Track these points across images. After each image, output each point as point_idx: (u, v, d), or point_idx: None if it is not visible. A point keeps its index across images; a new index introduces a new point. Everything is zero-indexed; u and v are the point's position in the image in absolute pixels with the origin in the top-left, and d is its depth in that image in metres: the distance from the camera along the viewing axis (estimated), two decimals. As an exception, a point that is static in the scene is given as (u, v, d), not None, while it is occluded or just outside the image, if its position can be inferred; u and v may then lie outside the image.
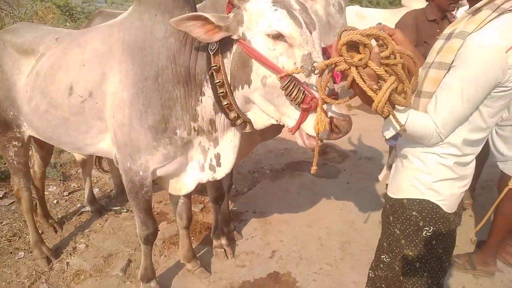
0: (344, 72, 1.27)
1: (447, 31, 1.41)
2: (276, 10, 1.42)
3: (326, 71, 1.34)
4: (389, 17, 6.42)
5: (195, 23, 1.47)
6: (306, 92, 1.42)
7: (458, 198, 1.53)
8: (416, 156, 1.50)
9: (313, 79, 1.45)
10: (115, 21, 1.98)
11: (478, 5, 1.33)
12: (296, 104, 1.45)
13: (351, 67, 1.23)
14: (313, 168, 1.49)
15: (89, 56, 1.91)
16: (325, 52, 1.67)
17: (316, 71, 1.36)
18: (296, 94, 1.41)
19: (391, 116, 1.27)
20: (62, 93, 1.97)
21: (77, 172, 4.36)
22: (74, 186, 4.07)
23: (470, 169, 1.50)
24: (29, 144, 2.63)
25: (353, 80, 1.24)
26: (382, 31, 1.28)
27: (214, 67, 1.60)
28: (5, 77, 2.27)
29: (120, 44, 1.81)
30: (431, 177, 1.47)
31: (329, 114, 1.46)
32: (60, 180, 4.09)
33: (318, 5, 1.88)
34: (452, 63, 1.32)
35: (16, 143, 2.49)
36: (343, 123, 1.46)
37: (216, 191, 2.73)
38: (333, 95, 1.44)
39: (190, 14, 1.48)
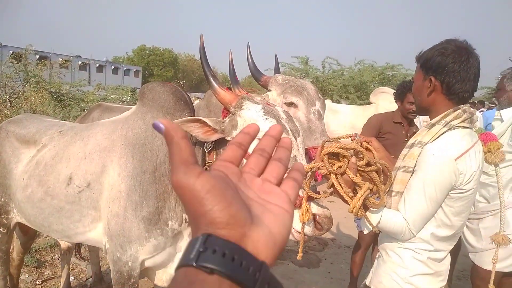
0: (325, 176, 1.48)
1: (410, 141, 1.67)
2: (267, 118, 1.65)
3: (310, 172, 1.54)
4: (360, 113, 7.04)
5: (194, 125, 1.69)
6: None
7: None
8: (393, 250, 1.66)
9: None
10: (118, 118, 2.18)
11: (433, 121, 1.62)
12: None
13: (331, 173, 1.44)
14: (299, 255, 1.63)
15: (91, 149, 2.05)
16: (307, 153, 1.90)
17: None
18: None
19: (365, 218, 1.47)
20: (60, 183, 2.06)
21: (52, 258, 4.21)
22: (48, 273, 3.90)
23: (445, 266, 1.65)
24: (13, 231, 2.63)
25: (333, 184, 1.45)
26: (359, 139, 1.53)
27: (209, 164, 1.78)
28: (2, 164, 2.36)
29: (122, 140, 1.98)
30: (408, 271, 1.61)
31: (313, 211, 1.61)
32: (34, 267, 3.93)
33: (300, 112, 2.15)
34: (414, 167, 1.56)
35: (1, 229, 2.49)
36: (325, 220, 1.61)
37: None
38: (316, 192, 1.63)
39: (191, 118, 1.70)
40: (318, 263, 4.42)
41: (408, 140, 3.37)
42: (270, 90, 2.30)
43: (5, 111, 6.10)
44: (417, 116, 3.75)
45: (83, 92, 8.36)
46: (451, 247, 1.66)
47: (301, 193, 1.58)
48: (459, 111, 1.57)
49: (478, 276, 2.58)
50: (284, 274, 4.05)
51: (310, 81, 14.21)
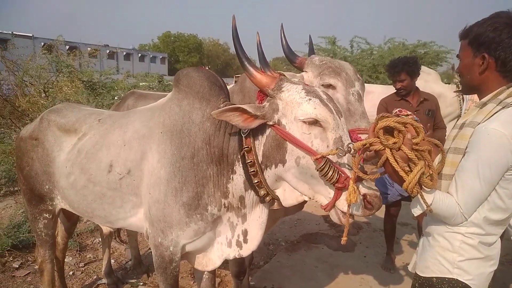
0: (378, 152, 1.43)
1: (460, 121, 1.58)
2: (310, 99, 1.59)
3: (359, 152, 1.50)
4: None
5: (233, 113, 1.65)
6: (340, 172, 1.54)
7: (487, 278, 1.57)
8: (441, 235, 1.59)
9: (344, 159, 1.58)
10: (155, 105, 2.18)
11: (484, 99, 1.53)
12: (331, 184, 1.56)
13: (386, 148, 1.39)
14: (344, 239, 1.61)
15: (130, 137, 2.07)
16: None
17: (352, 151, 1.50)
18: (331, 175, 1.53)
19: (419, 196, 1.40)
20: (102, 170, 2.10)
21: (92, 242, 4.38)
22: (90, 257, 4.07)
23: (496, 250, 1.57)
24: (58, 217, 2.72)
25: (386, 160, 1.40)
26: (414, 119, 1.47)
27: (246, 148, 1.74)
28: (45, 153, 2.43)
29: (160, 127, 1.98)
30: (457, 256, 1.54)
31: (363, 191, 1.56)
32: (77, 251, 4.11)
33: (339, 94, 2.08)
34: (466, 149, 1.48)
35: (47, 215, 2.59)
36: (375, 200, 1.56)
37: (238, 266, 2.73)
38: (365, 173, 1.57)
39: (230, 106, 1.65)
40: (353, 247, 4.37)
41: (418, 109, 3.40)
42: (306, 72, 2.24)
43: (42, 101, 6.30)
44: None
45: (112, 80, 8.51)
46: (502, 231, 1.58)
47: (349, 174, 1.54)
48: None
49: None
50: (318, 258, 4.04)
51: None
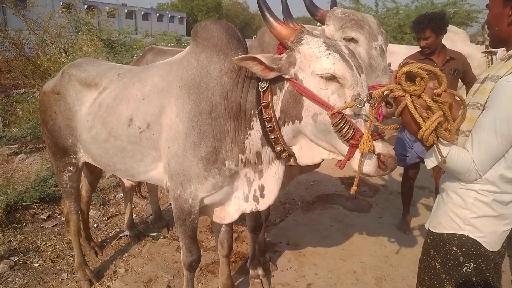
0: (397, 100, 1.41)
1: (482, 75, 1.52)
2: (330, 54, 1.54)
3: (376, 101, 1.46)
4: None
5: (251, 62, 1.62)
6: (355, 129, 1.52)
7: (500, 237, 1.56)
8: (455, 191, 1.57)
9: (361, 116, 1.55)
10: (173, 59, 2.16)
11: (510, 52, 1.45)
12: (345, 140, 1.54)
13: (406, 94, 1.36)
14: (353, 188, 1.58)
15: (149, 91, 2.08)
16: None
17: (372, 101, 1.47)
18: (346, 131, 1.51)
19: (434, 146, 1.38)
20: (122, 124, 2.13)
21: (115, 197, 4.54)
22: (112, 211, 4.24)
23: (511, 209, 1.54)
24: (82, 170, 2.82)
25: (405, 107, 1.37)
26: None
27: (264, 104, 1.72)
28: (67, 107, 2.47)
29: (178, 81, 1.97)
30: (469, 212, 1.52)
31: (377, 150, 1.54)
32: (100, 205, 4.28)
33: (361, 48, 2.01)
34: (485, 104, 1.43)
35: (71, 168, 2.68)
36: (389, 160, 1.54)
37: (255, 221, 2.80)
38: (379, 134, 1.54)
39: (248, 55, 1.63)
40: (369, 208, 4.39)
41: (443, 68, 3.28)
42: (327, 25, 2.16)
43: (62, 60, 6.35)
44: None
45: (131, 39, 8.47)
46: None
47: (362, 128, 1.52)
48: None
49: None
50: (334, 218, 4.09)
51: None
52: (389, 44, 7.12)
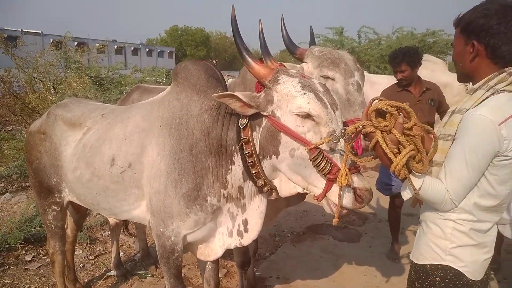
0: (369, 135, 1.47)
1: (451, 108, 1.59)
2: (305, 93, 1.61)
3: (351, 136, 1.53)
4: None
5: (230, 98, 1.68)
6: (332, 163, 1.57)
7: (482, 266, 1.58)
8: (433, 222, 1.61)
9: (337, 151, 1.61)
10: (154, 99, 2.22)
11: (475, 86, 1.53)
12: (323, 175, 1.59)
13: (377, 130, 1.43)
14: (335, 220, 1.61)
15: (131, 131, 2.12)
16: (346, 126, 1.85)
17: (346, 136, 1.53)
18: (324, 165, 1.56)
19: (407, 179, 1.43)
20: (105, 164, 2.16)
21: (102, 235, 4.47)
22: (99, 249, 4.16)
23: (490, 237, 1.57)
24: (67, 209, 2.80)
25: (377, 142, 1.44)
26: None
27: (244, 139, 1.77)
28: (53, 147, 2.50)
29: (159, 120, 2.02)
30: (449, 243, 1.55)
31: (354, 184, 1.59)
32: (87, 243, 4.20)
33: (338, 84, 2.09)
34: (455, 135, 1.50)
35: (55, 207, 2.66)
36: (365, 193, 1.59)
37: (243, 256, 2.78)
38: (356, 168, 1.60)
39: (227, 93, 1.69)
40: (358, 237, 4.39)
41: (421, 99, 3.39)
42: (306, 63, 2.25)
43: (51, 97, 6.40)
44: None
45: (120, 75, 8.59)
46: (497, 218, 1.58)
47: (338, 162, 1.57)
48: (504, 74, 1.47)
49: None
50: (324, 249, 4.07)
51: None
52: (372, 75, 7.38)
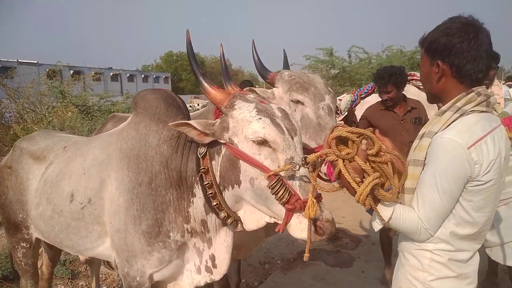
0: (333, 163, 1.37)
1: (421, 131, 1.51)
2: (260, 118, 1.53)
3: (316, 164, 1.43)
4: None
5: (186, 127, 1.59)
6: (292, 192, 1.48)
7: None
8: (410, 252, 1.51)
9: (297, 179, 1.52)
10: (114, 130, 2.15)
11: (443, 108, 1.45)
12: (281, 204, 1.49)
13: (339, 159, 1.33)
14: (306, 255, 1.49)
15: (89, 164, 2.03)
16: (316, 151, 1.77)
17: (307, 165, 1.44)
18: (282, 194, 1.47)
19: (373, 210, 1.33)
20: (64, 200, 2.05)
21: (86, 269, 4.29)
22: (82, 284, 3.99)
23: (471, 267, 1.47)
24: (37, 246, 2.67)
25: (340, 171, 1.33)
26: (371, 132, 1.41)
27: (203, 170, 1.68)
28: (19, 181, 2.40)
29: (117, 153, 1.92)
30: (428, 275, 1.45)
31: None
32: (69, 279, 4.03)
33: (308, 109, 2.03)
34: (425, 160, 1.41)
35: (24, 244, 2.54)
36: (326, 224, 1.48)
37: (222, 291, 2.64)
38: (317, 197, 1.49)
39: (182, 122, 1.59)
40: (351, 262, 4.24)
41: (405, 118, 3.32)
42: (277, 88, 2.19)
43: (36, 128, 6.35)
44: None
45: (112, 103, 8.55)
46: (478, 246, 1.48)
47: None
48: (472, 94, 1.40)
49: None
50: (315, 276, 3.92)
51: (337, 72, 13.66)
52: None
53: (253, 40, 2.41)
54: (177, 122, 1.60)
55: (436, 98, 1.55)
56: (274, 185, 1.46)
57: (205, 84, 1.67)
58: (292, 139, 1.54)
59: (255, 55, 2.37)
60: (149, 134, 1.87)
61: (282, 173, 1.48)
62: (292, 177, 1.51)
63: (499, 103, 3.48)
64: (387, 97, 3.47)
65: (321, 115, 2.01)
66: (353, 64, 13.52)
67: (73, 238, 2.11)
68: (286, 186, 1.47)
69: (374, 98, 6.92)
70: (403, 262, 1.55)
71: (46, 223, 2.18)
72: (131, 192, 1.82)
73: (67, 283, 3.98)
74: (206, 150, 1.67)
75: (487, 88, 1.54)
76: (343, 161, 1.33)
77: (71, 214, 2.03)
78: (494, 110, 1.57)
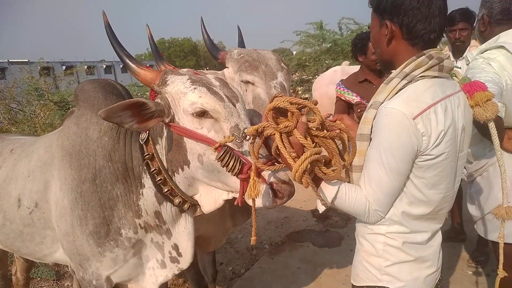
0: (272, 138, 1.24)
1: (370, 102, 1.35)
2: (195, 88, 1.42)
3: (257, 138, 1.31)
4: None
5: (124, 112, 1.38)
6: (243, 161, 1.38)
7: (425, 283, 1.36)
8: (364, 237, 1.40)
9: (246, 147, 1.41)
10: (58, 129, 2.00)
11: (392, 75, 1.30)
12: (234, 175, 1.39)
13: (276, 132, 1.19)
14: (253, 239, 1.39)
15: (34, 166, 1.91)
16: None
17: (248, 137, 1.34)
18: (233, 164, 1.37)
19: (312, 188, 1.19)
20: (12, 205, 1.94)
21: (72, 268, 4.24)
22: (68, 285, 3.92)
23: (430, 249, 1.35)
24: (4, 255, 2.57)
25: (278, 146, 1.20)
26: (329, 119, 1.29)
27: (148, 156, 1.59)
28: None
29: (59, 150, 1.80)
30: (383, 260, 1.34)
31: (268, 180, 1.37)
32: (53, 280, 3.97)
33: (259, 89, 1.87)
34: (371, 134, 1.27)
35: (-14, 254, 2.44)
36: (283, 186, 1.36)
37: (197, 285, 2.54)
38: (270, 161, 1.37)
39: (123, 102, 1.38)
40: (340, 241, 4.15)
41: None
42: (227, 68, 2.02)
43: (14, 129, 6.23)
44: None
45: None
46: (437, 226, 1.36)
47: None
48: (422, 57, 1.25)
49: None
50: (303, 258, 3.83)
51: (329, 46, 13.32)
52: (353, 66, 7.08)
53: (201, 17, 2.25)
54: (119, 103, 1.36)
55: (388, 64, 1.40)
56: (222, 156, 1.36)
57: (132, 65, 1.53)
58: (234, 106, 1.43)
59: (204, 33, 2.21)
60: (89, 127, 1.74)
61: (230, 144, 1.38)
62: (241, 145, 1.40)
63: (459, 67, 3.29)
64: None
65: (273, 94, 1.84)
66: (344, 36, 13.20)
67: (29, 246, 2.00)
68: (236, 156, 1.37)
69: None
70: (358, 248, 1.45)
71: (1, 231, 2.07)
72: (74, 191, 1.70)
73: (52, 285, 3.92)
74: (148, 135, 1.57)
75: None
76: (281, 135, 1.19)
77: (21, 220, 1.93)
78: (455, 76, 1.41)
